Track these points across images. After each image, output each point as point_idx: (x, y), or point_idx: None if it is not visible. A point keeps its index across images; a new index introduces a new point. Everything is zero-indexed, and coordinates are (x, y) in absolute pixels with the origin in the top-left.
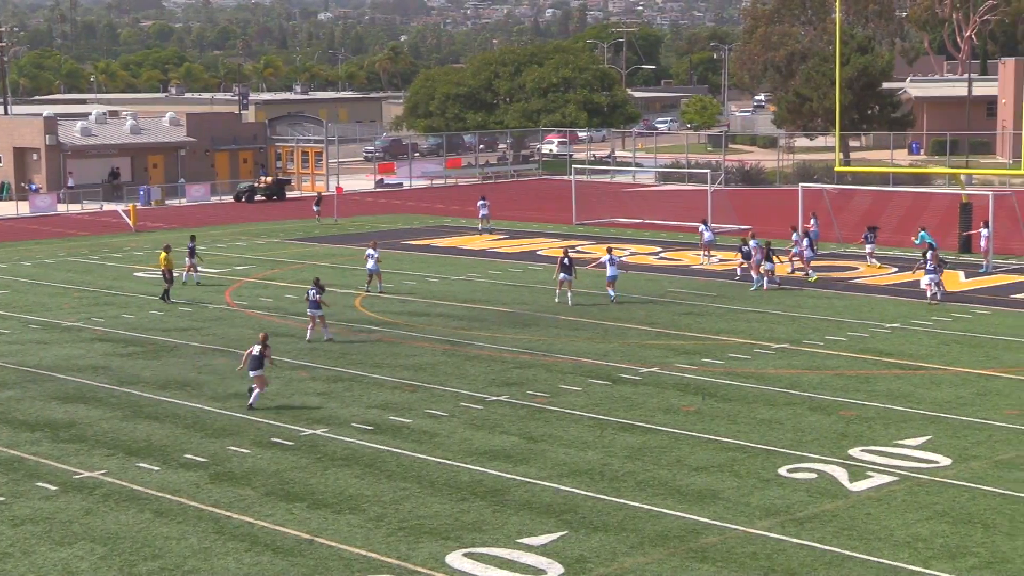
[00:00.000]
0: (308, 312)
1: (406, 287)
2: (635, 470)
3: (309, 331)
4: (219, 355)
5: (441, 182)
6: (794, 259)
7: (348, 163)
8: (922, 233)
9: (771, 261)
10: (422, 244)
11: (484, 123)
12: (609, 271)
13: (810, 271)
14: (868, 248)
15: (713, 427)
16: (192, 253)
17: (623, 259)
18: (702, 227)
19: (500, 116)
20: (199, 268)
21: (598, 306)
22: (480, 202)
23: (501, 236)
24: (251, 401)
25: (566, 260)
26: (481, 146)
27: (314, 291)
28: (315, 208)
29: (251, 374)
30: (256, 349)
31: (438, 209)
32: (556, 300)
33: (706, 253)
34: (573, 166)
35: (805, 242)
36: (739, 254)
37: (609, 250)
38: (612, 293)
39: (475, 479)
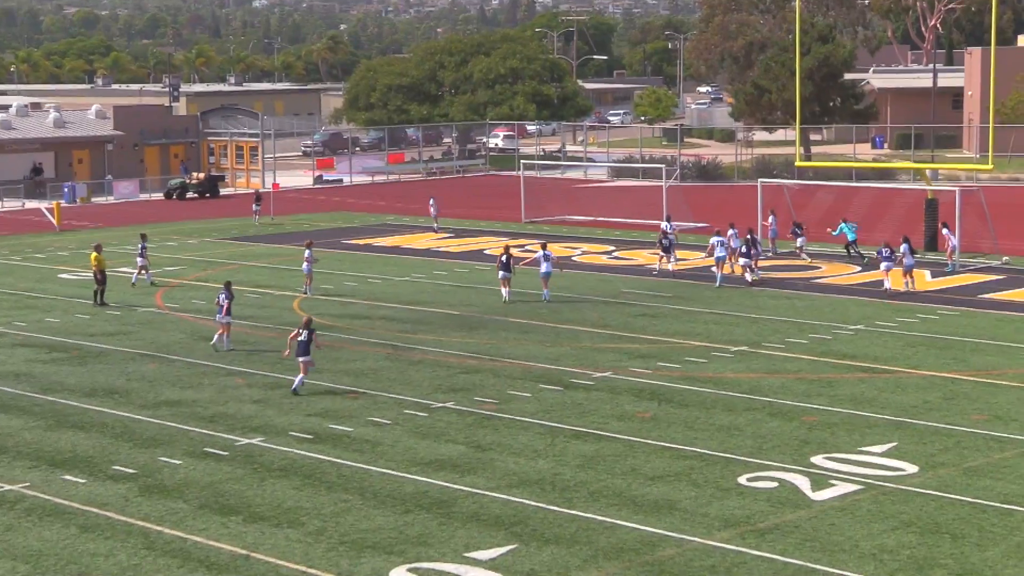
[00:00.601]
0: (216, 318)
1: (347, 288)
2: (588, 480)
3: (216, 338)
4: (148, 360)
5: (383, 178)
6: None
7: (285, 158)
8: (842, 225)
9: (749, 255)
10: (363, 243)
11: (428, 116)
12: (543, 268)
13: (756, 271)
14: (799, 243)
15: (670, 434)
16: (143, 253)
17: (573, 258)
18: (665, 225)
19: (445, 108)
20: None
21: (549, 307)
22: (432, 201)
23: (447, 235)
24: (295, 387)
25: (504, 258)
26: (425, 140)
27: (224, 295)
28: (255, 207)
29: (299, 360)
30: (303, 334)
31: (380, 207)
32: (504, 300)
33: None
34: (522, 161)
35: (735, 242)
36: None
37: (544, 246)
38: (546, 292)
39: (420, 490)
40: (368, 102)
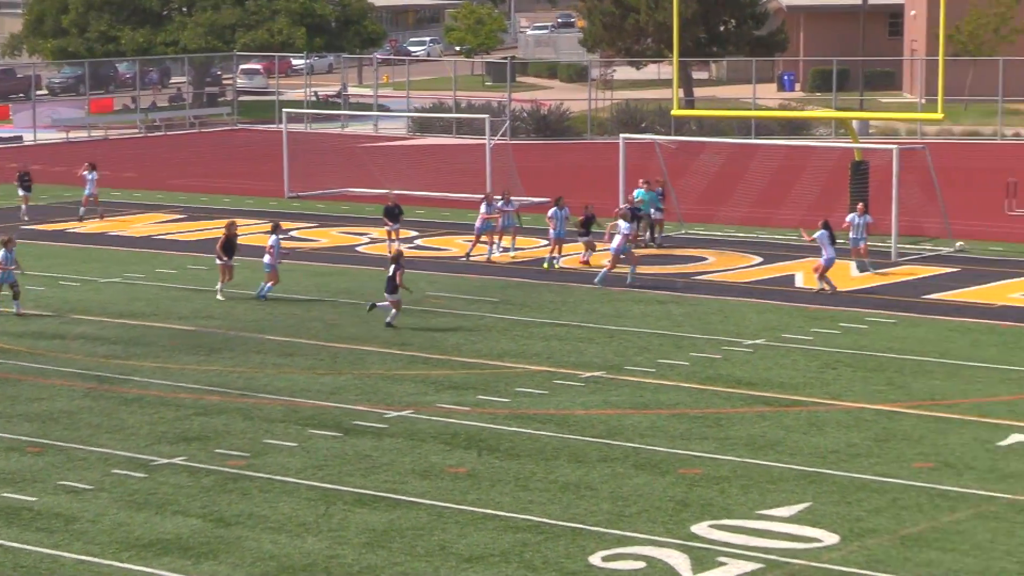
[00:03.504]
0: None
1: (31, 295)
2: (377, 563)
3: None
4: None
5: (83, 135)
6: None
7: None
8: (639, 191)
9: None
10: (54, 229)
11: (148, 45)
12: (266, 260)
13: (557, 256)
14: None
15: (494, 497)
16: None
17: (358, 248)
18: (500, 202)
19: (174, 34)
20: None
21: (322, 321)
22: (88, 173)
23: (177, 216)
24: (388, 320)
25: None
26: (144, 81)
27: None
28: None
29: (386, 297)
30: (391, 269)
31: (79, 178)
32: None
33: (496, 242)
34: (284, 110)
35: (557, 226)
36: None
37: (275, 227)
38: (267, 287)
39: None
40: (59, 25)
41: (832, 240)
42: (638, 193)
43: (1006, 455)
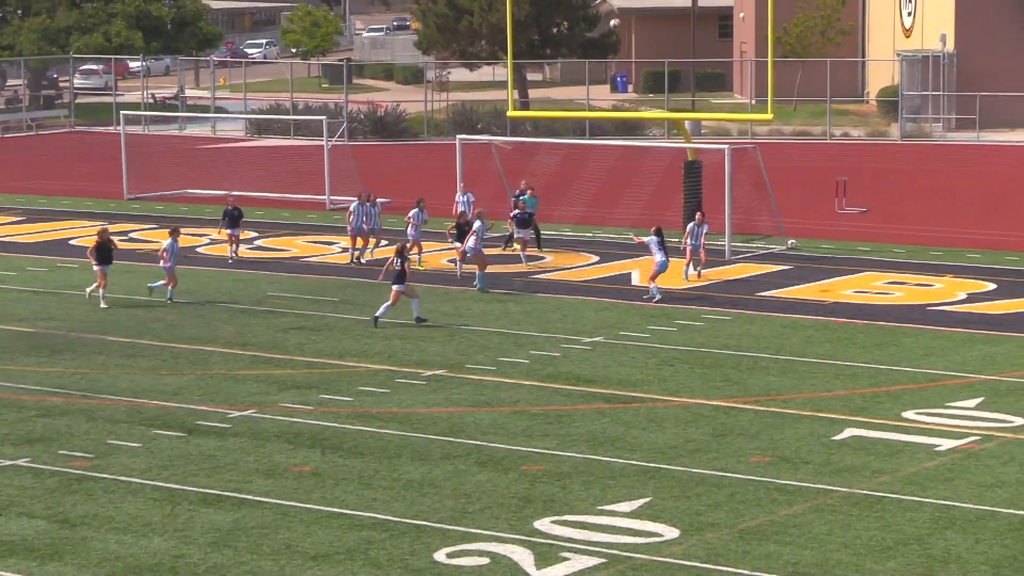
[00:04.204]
0: None
1: None
2: (224, 562)
3: None
4: None
5: None
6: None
7: None
8: (524, 196)
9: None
10: None
11: None
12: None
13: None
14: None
15: (338, 495)
16: None
17: (199, 249)
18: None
19: (9, 37)
20: None
21: (162, 320)
22: None
23: (16, 218)
24: (378, 313)
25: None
26: None
27: None
28: None
29: (393, 289)
30: (397, 262)
31: None
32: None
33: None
34: (122, 112)
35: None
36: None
37: (173, 231)
38: (169, 291)
39: None
40: None
41: (662, 246)
42: (524, 199)
43: (840, 449)
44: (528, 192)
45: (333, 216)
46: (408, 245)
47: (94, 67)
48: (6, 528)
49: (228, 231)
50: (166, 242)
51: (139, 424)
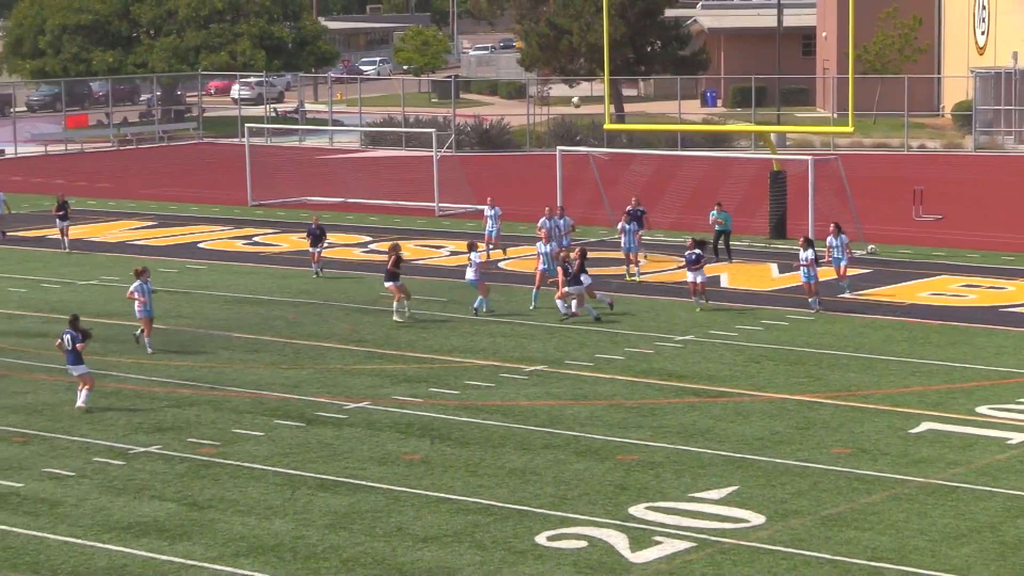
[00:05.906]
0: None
1: (14, 297)
2: (340, 543)
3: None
4: None
5: (60, 148)
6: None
7: None
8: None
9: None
10: (33, 236)
11: (119, 66)
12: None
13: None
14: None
15: (446, 481)
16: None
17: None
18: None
19: (142, 56)
20: None
21: (284, 318)
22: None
23: (149, 223)
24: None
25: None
26: (116, 98)
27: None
28: None
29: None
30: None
31: (57, 186)
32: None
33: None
34: (247, 125)
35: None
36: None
37: (140, 272)
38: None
39: (116, 564)
40: (36, 47)
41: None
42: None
43: (917, 441)
44: (716, 207)
45: (443, 222)
46: (562, 253)
47: (250, 79)
48: (140, 510)
49: (311, 249)
50: (134, 284)
51: (262, 414)
